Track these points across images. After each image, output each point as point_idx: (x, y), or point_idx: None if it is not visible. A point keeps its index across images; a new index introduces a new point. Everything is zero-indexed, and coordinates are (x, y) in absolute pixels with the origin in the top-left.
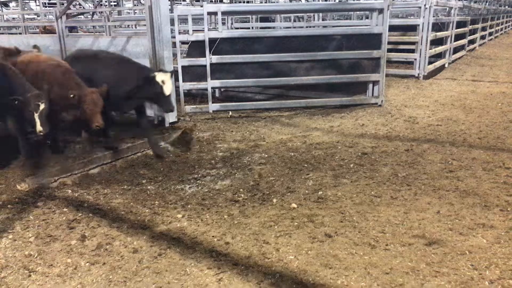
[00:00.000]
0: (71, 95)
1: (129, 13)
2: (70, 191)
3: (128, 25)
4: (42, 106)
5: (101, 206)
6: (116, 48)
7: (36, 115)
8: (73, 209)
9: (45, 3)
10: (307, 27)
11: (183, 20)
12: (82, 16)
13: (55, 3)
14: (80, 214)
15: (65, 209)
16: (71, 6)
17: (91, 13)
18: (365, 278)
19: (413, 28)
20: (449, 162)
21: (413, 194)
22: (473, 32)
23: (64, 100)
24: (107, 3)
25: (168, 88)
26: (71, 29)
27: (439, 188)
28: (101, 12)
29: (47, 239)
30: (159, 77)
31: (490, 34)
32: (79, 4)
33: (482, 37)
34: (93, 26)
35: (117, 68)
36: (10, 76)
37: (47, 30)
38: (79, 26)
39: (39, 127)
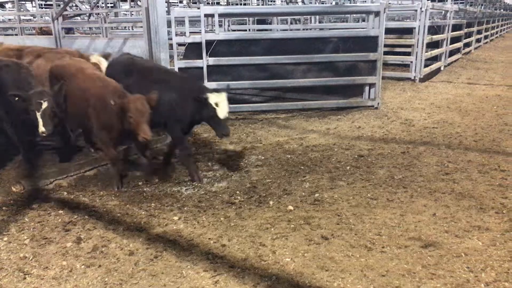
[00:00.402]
0: (112, 103)
1: (125, 14)
2: (65, 193)
3: (125, 27)
4: (45, 105)
5: (97, 208)
6: (113, 49)
7: (38, 114)
8: (68, 211)
9: (41, 4)
10: (304, 29)
11: (180, 22)
12: (78, 18)
13: (51, 5)
14: (75, 216)
15: (60, 211)
16: (68, 8)
17: (87, 14)
18: (362, 280)
19: (409, 31)
20: (445, 165)
21: (409, 197)
22: (468, 35)
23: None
24: (103, 5)
25: (223, 111)
26: (68, 30)
27: (435, 191)
28: (98, 13)
29: (42, 241)
30: (213, 98)
31: (486, 37)
32: (76, 6)
33: (478, 40)
34: (90, 28)
35: (169, 85)
36: (17, 74)
37: (44, 32)
38: (76, 27)
39: (41, 128)
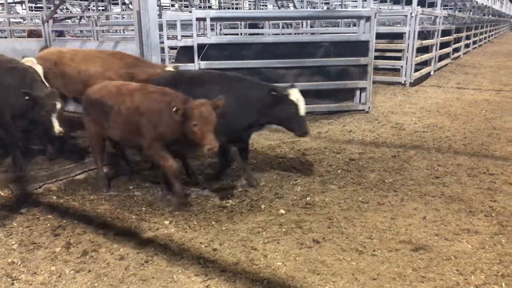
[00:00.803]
0: (174, 109)
1: (117, 18)
2: (55, 197)
3: (116, 30)
4: (58, 106)
5: (87, 213)
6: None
7: (53, 116)
8: (58, 215)
9: (31, 7)
10: (295, 33)
11: (172, 25)
12: (69, 21)
13: (41, 7)
14: (65, 221)
15: (49, 216)
16: (58, 10)
17: (78, 17)
18: (353, 284)
19: (399, 36)
20: (435, 168)
21: (399, 200)
22: (457, 40)
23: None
24: (94, 8)
25: (303, 107)
26: (59, 33)
27: (425, 194)
28: (89, 16)
29: (31, 246)
30: (294, 95)
31: (474, 42)
32: (66, 8)
33: (466, 46)
34: (81, 31)
35: (241, 93)
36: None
37: (34, 34)
38: (66, 30)
39: (58, 128)
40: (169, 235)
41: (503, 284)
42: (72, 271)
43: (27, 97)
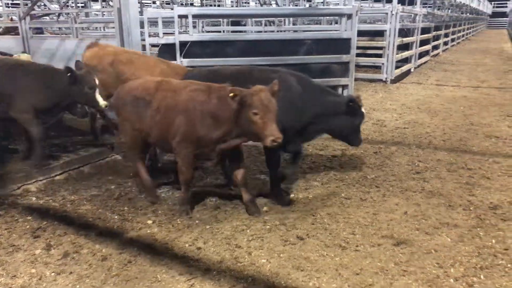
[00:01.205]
0: (231, 94)
1: (97, 15)
2: (34, 198)
3: (96, 27)
4: (97, 81)
5: (67, 213)
6: (83, 50)
7: (97, 91)
8: (37, 217)
9: (8, 3)
10: (278, 31)
11: (153, 22)
12: (47, 17)
13: (18, 4)
14: (45, 222)
15: (29, 217)
16: (36, 7)
17: (57, 14)
18: (336, 279)
19: (380, 34)
20: (415, 164)
21: (381, 196)
22: (436, 38)
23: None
24: (73, 4)
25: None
26: (38, 30)
27: (406, 189)
28: (68, 13)
29: (10, 248)
30: (358, 102)
31: (453, 40)
32: (44, 5)
33: (445, 43)
34: (60, 28)
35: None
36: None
37: (9, 31)
38: (45, 27)
39: (103, 102)
40: (152, 235)
41: (482, 276)
42: (53, 273)
43: (69, 73)
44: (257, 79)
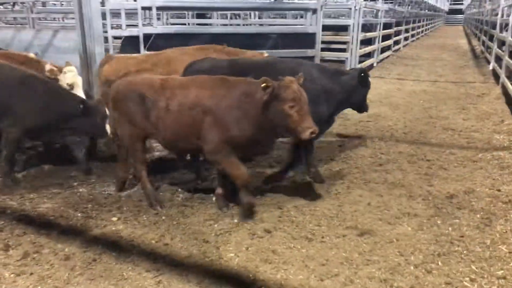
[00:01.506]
0: (263, 85)
1: (55, 4)
2: None
3: (55, 18)
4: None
5: (26, 212)
6: (41, 42)
7: (108, 121)
8: None
9: None
10: (243, 24)
11: (116, 14)
12: (1, 7)
13: None
14: (2, 222)
15: None
16: None
17: (11, 3)
18: (303, 270)
19: (344, 29)
20: (378, 156)
21: (346, 188)
22: (397, 33)
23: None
24: None
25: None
26: None
27: (370, 181)
28: (23, 2)
29: None
30: (367, 72)
31: (413, 36)
32: None
33: (406, 39)
34: (14, 18)
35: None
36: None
37: None
38: None
39: (111, 130)
40: (117, 232)
41: (439, 263)
42: (12, 275)
43: (81, 105)
44: (281, 71)
